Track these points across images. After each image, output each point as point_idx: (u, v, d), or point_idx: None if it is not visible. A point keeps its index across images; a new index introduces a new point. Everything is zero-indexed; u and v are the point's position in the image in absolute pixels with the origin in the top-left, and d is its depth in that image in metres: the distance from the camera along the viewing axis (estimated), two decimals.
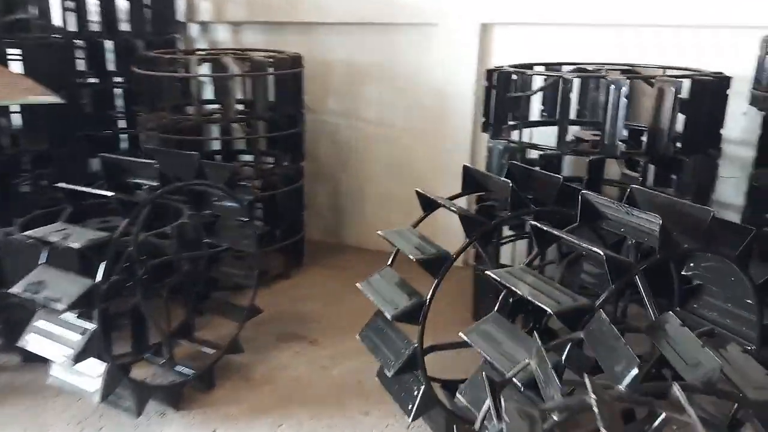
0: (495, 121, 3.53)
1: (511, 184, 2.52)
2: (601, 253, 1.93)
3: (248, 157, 4.85)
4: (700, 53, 3.76)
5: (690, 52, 3.80)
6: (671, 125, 2.98)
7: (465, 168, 2.91)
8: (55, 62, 4.10)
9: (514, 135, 3.79)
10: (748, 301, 2.15)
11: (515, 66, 3.69)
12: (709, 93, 3.11)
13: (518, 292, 2.01)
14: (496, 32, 4.37)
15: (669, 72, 3.53)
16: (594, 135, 3.43)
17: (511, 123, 3.73)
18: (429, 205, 2.78)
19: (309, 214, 4.80)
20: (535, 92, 3.71)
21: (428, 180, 4.78)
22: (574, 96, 3.14)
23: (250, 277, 3.49)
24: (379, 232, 2.77)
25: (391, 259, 2.84)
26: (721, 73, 3.35)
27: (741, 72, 3.38)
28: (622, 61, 3.90)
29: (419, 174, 4.84)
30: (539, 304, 1.90)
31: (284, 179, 4.36)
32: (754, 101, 3.25)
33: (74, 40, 4.41)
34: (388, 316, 2.43)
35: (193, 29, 5.34)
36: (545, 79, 3.71)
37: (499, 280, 2.11)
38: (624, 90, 2.94)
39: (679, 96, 2.97)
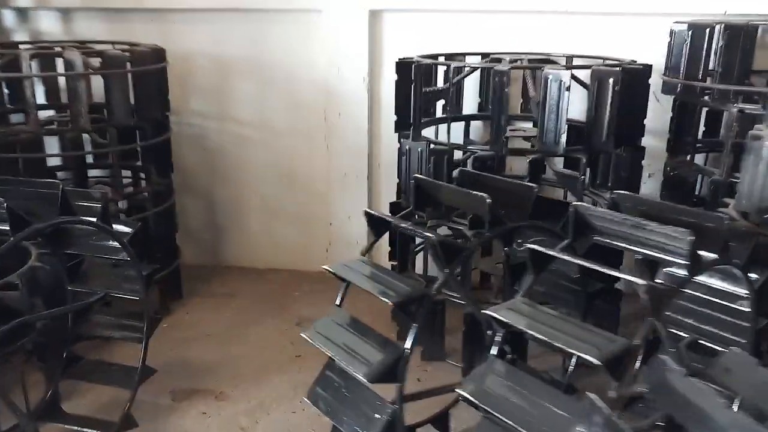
0: (414, 118, 3.14)
1: (488, 199, 2.14)
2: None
3: (95, 173, 3.99)
4: (595, 41, 3.67)
5: (585, 39, 3.70)
6: (610, 118, 2.80)
7: (417, 179, 2.48)
8: None
9: (427, 134, 3.43)
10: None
11: (425, 56, 3.33)
12: (638, 82, 2.98)
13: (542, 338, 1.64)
14: (386, 19, 3.97)
15: (583, 61, 3.39)
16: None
17: (426, 120, 3.36)
18: (380, 226, 2.30)
19: (180, 236, 4.06)
20: (450, 85, 3.37)
21: (317, 187, 4.30)
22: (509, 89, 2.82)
23: (135, 329, 2.76)
24: (325, 267, 2.24)
25: (339, 299, 2.31)
26: (635, 61, 3.26)
27: (648, 60, 3.32)
28: (523, 49, 3.70)
29: (306, 180, 4.32)
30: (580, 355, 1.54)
31: (153, 198, 3.59)
32: (667, 88, 3.21)
33: None
34: (362, 378, 1.92)
35: (7, 17, 4.27)
36: (470, 71, 3.38)
37: (508, 322, 1.72)
38: (564, 82, 2.70)
39: (616, 87, 2.80)
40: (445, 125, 3.17)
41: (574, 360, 1.61)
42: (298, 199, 4.38)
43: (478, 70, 3.63)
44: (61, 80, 3.63)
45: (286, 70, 4.15)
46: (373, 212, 2.28)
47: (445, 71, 3.43)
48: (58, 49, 3.33)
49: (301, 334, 2.21)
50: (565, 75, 2.71)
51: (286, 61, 4.13)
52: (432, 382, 3.02)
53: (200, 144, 4.33)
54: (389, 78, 4.00)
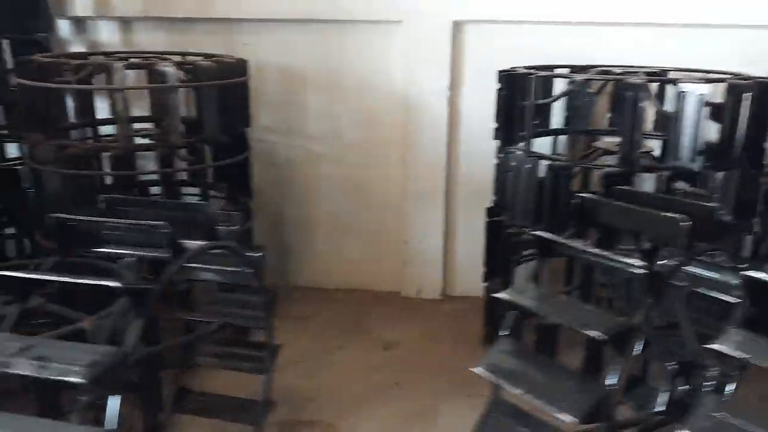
0: (525, 132, 3.02)
1: (685, 221, 2.00)
2: None
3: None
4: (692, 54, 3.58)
5: (672, 52, 3.60)
6: (745, 134, 2.70)
7: (583, 199, 2.33)
8: None
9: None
10: None
11: (532, 68, 3.21)
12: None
13: None
14: (468, 31, 3.84)
15: (699, 75, 3.28)
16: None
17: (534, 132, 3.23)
18: (549, 250, 2.15)
19: None
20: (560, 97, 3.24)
21: (392, 203, 4.14)
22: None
23: (253, 359, 2.58)
24: (502, 295, 2.07)
25: (507, 329, 2.14)
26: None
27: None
28: (610, 62, 3.59)
29: (379, 196, 4.16)
30: None
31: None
32: None
33: None
34: (568, 418, 1.75)
35: (63, 27, 4.06)
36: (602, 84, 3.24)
37: None
38: (703, 96, 2.59)
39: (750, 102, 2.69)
40: (540, 139, 3.05)
41: None
42: (370, 216, 4.21)
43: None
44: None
45: (361, 83, 4.00)
46: (545, 235, 2.12)
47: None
48: (139, 60, 3.14)
49: (475, 371, 2.02)
50: (704, 89, 2.60)
51: (361, 73, 3.99)
52: None
53: (269, 159, 4.14)
54: (470, 91, 3.90)
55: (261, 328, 2.50)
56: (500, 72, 3.23)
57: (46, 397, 2.24)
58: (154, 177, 3.56)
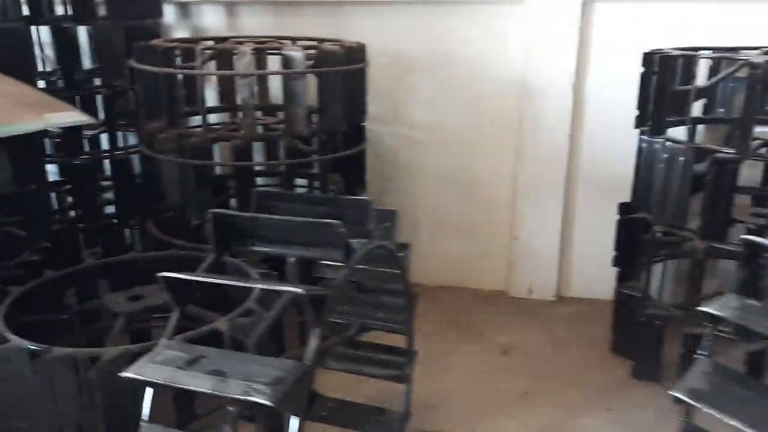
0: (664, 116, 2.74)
1: None
2: None
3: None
4: None
5: None
6: None
7: None
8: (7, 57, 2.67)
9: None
10: None
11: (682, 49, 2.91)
12: None
13: None
14: (598, 11, 3.54)
15: None
16: None
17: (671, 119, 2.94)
18: (756, 255, 1.87)
19: None
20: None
21: (501, 197, 3.90)
22: None
23: (391, 365, 2.39)
24: (708, 310, 1.80)
25: (707, 349, 1.88)
26: None
27: None
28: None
29: (487, 189, 3.92)
30: None
31: None
32: None
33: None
34: None
35: (168, 12, 3.94)
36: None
37: None
38: None
39: None
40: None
41: None
42: (476, 210, 3.98)
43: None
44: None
45: (472, 69, 3.76)
46: (756, 240, 1.84)
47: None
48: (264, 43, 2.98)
49: (676, 394, 1.76)
50: None
51: (473, 58, 3.74)
52: None
53: (372, 149, 3.94)
54: (598, 76, 3.61)
55: (401, 332, 2.30)
56: (649, 53, 2.93)
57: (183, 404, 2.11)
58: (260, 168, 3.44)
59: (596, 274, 3.81)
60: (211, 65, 3.21)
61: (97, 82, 3.51)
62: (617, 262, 3.29)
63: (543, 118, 3.67)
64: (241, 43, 3.18)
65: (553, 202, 3.78)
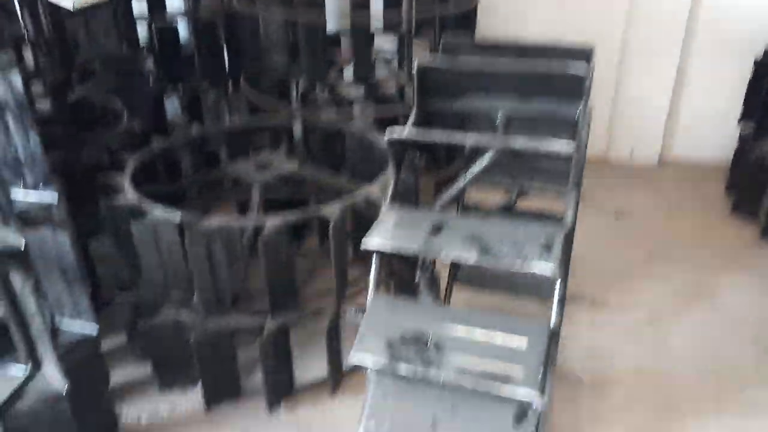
0: None
1: None
2: None
3: None
4: None
5: None
6: None
7: None
8: None
9: None
10: None
11: None
12: None
13: None
14: None
15: None
16: None
17: None
18: None
19: None
20: None
21: (602, 51, 3.61)
22: None
23: None
24: None
25: None
26: None
27: None
28: None
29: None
30: None
31: None
32: None
33: None
34: None
35: None
36: None
37: None
38: None
39: None
40: None
41: None
42: None
43: None
44: None
45: None
46: None
47: None
48: None
49: None
50: None
51: None
52: None
53: None
54: None
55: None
56: None
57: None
58: None
59: (701, 135, 3.65)
60: None
61: None
62: (745, 119, 3.11)
63: None
64: None
65: (669, 58, 3.50)
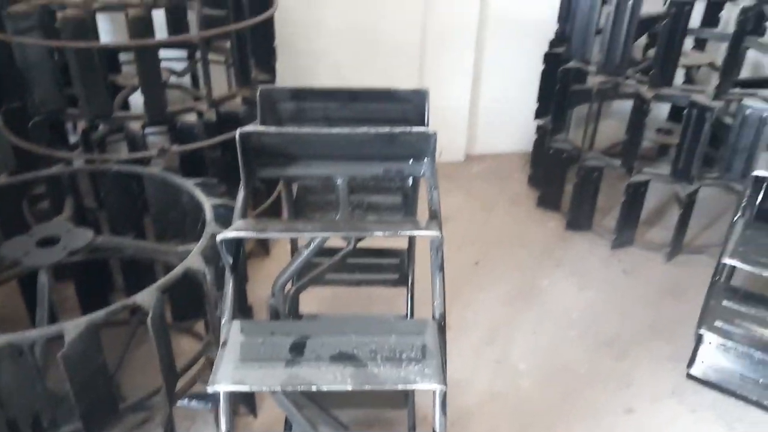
0: None
1: None
2: None
3: None
4: None
5: None
6: None
7: None
8: None
9: None
10: None
11: None
12: None
13: None
14: None
15: None
16: None
17: None
18: None
19: None
20: None
21: (404, 50, 3.54)
22: None
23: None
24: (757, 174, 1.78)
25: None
26: None
27: None
28: None
29: (389, 42, 3.52)
30: None
31: None
32: None
33: None
34: None
35: None
36: None
37: None
38: None
39: None
40: None
41: None
42: (381, 65, 3.59)
43: None
44: None
45: None
46: None
47: None
48: None
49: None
50: None
51: None
52: None
53: None
54: None
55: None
56: None
57: None
58: None
59: (499, 128, 3.80)
60: None
61: None
62: (541, 113, 3.28)
63: None
64: None
65: (465, 50, 3.53)
